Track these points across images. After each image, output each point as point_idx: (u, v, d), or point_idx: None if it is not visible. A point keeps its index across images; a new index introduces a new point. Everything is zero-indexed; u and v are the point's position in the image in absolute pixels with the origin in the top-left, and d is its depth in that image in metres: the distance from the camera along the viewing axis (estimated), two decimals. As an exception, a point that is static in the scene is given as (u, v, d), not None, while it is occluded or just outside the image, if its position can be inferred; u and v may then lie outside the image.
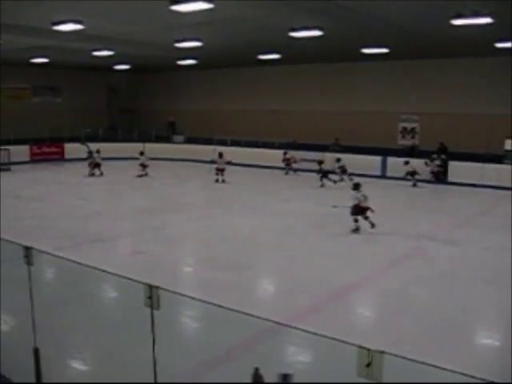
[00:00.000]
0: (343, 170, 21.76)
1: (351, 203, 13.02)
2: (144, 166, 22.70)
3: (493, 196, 19.03)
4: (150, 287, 3.88)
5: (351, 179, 20.79)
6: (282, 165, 24.01)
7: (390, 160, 22.68)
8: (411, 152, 23.24)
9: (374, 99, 25.21)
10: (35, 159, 27.31)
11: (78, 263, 5.09)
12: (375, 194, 19.47)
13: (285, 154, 24.23)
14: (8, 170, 23.67)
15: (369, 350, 2.83)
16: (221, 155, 21.31)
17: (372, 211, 12.82)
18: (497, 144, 20.69)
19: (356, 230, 13.04)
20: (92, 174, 22.43)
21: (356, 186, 13.40)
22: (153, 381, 4.13)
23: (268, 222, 14.23)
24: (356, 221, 13.04)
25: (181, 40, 18.33)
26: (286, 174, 23.83)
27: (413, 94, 24.01)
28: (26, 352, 5.22)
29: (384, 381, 2.83)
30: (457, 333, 7.25)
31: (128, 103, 34.69)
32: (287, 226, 13.84)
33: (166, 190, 19.78)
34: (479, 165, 20.62)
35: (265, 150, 26.15)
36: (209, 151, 24.19)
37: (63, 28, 15.16)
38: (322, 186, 20.28)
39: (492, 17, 12.82)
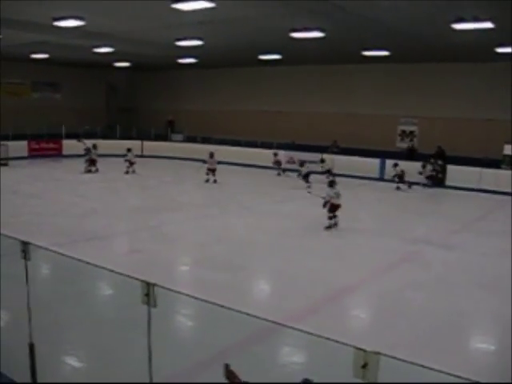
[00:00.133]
0: (328, 171, 21.56)
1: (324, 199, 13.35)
2: (131, 163, 22.72)
3: (490, 201, 19.06)
4: (148, 284, 3.87)
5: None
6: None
7: (389, 163, 22.67)
8: (410, 154, 23.26)
9: (373, 102, 25.24)
10: (33, 155, 27.30)
11: (75, 259, 5.08)
12: (373, 196, 19.66)
13: (275, 155, 24.14)
14: (6, 165, 23.64)
15: (365, 351, 2.83)
16: (212, 155, 20.98)
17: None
18: (495, 149, 20.73)
19: (329, 227, 13.35)
20: (89, 171, 22.44)
21: (331, 184, 13.78)
22: (148, 379, 4.12)
23: (264, 223, 14.24)
24: (330, 218, 13.35)
25: (182, 38, 18.34)
26: (278, 175, 23.69)
27: (412, 98, 24.04)
28: (21, 347, 5.22)
29: (379, 382, 2.83)
30: (452, 337, 7.26)
31: (127, 102, 34.65)
32: (283, 226, 13.84)
33: (164, 189, 19.75)
34: (477, 169, 20.66)
35: (262, 150, 26.08)
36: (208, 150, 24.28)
37: (64, 24, 15.16)
38: (309, 187, 19.96)
39: (492, 22, 12.86)
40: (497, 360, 6.67)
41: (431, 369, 2.96)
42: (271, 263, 10.70)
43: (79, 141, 23.62)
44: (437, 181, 21.38)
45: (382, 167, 22.96)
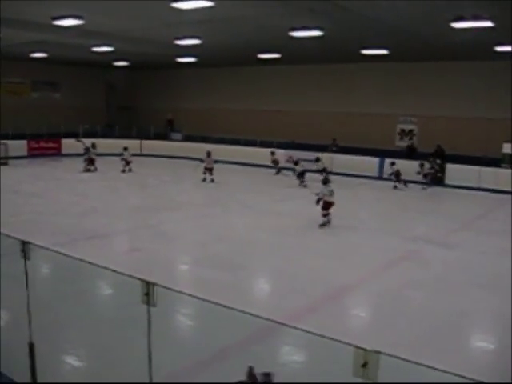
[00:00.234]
0: (323, 170, 21.38)
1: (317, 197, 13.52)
2: (127, 162, 22.81)
3: (490, 199, 19.07)
4: (148, 284, 3.87)
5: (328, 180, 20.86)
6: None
7: (388, 162, 22.67)
8: (410, 153, 23.25)
9: (372, 101, 25.22)
10: (33, 154, 27.31)
11: (75, 258, 5.08)
12: (372, 195, 19.67)
13: (272, 154, 24.11)
14: (6, 164, 23.64)
15: (365, 349, 2.83)
16: (209, 154, 20.86)
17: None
18: (495, 147, 20.72)
19: (323, 225, 13.47)
20: (87, 170, 22.47)
21: (325, 181, 14.06)
22: (148, 378, 4.12)
23: (264, 222, 14.25)
24: (324, 215, 13.48)
25: (181, 37, 18.33)
26: (276, 174, 23.61)
27: (411, 96, 24.03)
28: (21, 347, 5.21)
29: (380, 381, 2.83)
30: (452, 336, 7.26)
31: (126, 101, 34.64)
32: (282, 225, 13.85)
33: (163, 188, 19.75)
34: (477, 168, 20.65)
35: (261, 149, 26.02)
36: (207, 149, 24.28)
37: (63, 23, 15.15)
38: (305, 186, 19.98)
39: (492, 21, 12.86)
40: (497, 359, 6.68)
41: (431, 368, 2.96)
42: (271, 262, 10.70)
43: (78, 141, 23.64)
44: (436, 180, 21.35)
45: (381, 166, 22.95)
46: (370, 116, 25.30)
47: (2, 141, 24.21)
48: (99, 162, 22.79)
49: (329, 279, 9.49)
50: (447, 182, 21.52)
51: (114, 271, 4.69)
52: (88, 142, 23.14)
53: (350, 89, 25.78)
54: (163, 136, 30.86)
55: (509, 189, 19.34)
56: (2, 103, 27.41)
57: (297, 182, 20.37)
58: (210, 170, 20.62)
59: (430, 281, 9.65)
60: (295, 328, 3.87)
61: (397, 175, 20.67)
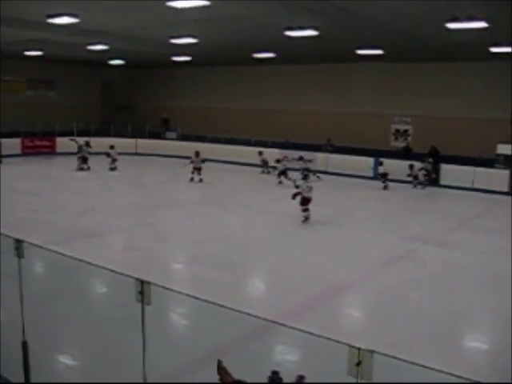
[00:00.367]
0: (306, 169, 21.47)
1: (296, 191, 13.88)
2: (113, 160, 22.87)
3: (484, 200, 19.13)
4: (142, 282, 3.87)
5: (318, 176, 20.98)
6: (274, 164, 23.61)
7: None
8: (406, 153, 23.28)
9: (367, 101, 25.25)
10: (27, 152, 27.21)
11: (69, 257, 5.08)
12: (368, 195, 19.69)
13: (260, 154, 23.95)
14: (0, 162, 23.55)
15: (359, 349, 2.83)
16: (197, 154, 20.64)
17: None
18: (489, 148, 20.78)
19: (306, 219, 13.76)
20: (81, 169, 22.42)
21: (304, 177, 14.53)
22: (142, 377, 4.12)
23: (260, 220, 14.30)
24: (304, 210, 13.76)
25: (176, 36, 18.29)
26: (268, 173, 23.41)
27: (406, 97, 24.08)
28: (15, 346, 5.20)
29: (374, 380, 2.84)
30: (449, 335, 7.27)
31: (122, 99, 34.55)
32: (279, 224, 13.91)
33: (159, 187, 19.74)
34: (471, 168, 20.70)
35: (255, 149, 25.79)
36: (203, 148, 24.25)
37: (58, 21, 15.09)
38: (280, 182, 20.11)
39: (487, 21, 12.88)
40: (496, 359, 6.69)
41: (427, 367, 2.96)
42: (268, 261, 10.72)
43: (71, 139, 23.64)
44: (429, 180, 21.38)
45: (377, 166, 22.96)
46: (365, 116, 25.33)
47: (-3, 139, 24.14)
48: (93, 161, 22.70)
49: (326, 278, 9.51)
50: (442, 182, 21.57)
51: (109, 270, 4.68)
52: (82, 140, 23.12)
53: (346, 89, 25.81)
54: (159, 135, 30.81)
55: (503, 189, 19.41)
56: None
57: (280, 178, 20.43)
58: (198, 169, 20.40)
59: (427, 280, 9.69)
60: (292, 328, 3.87)
61: (383, 175, 20.77)
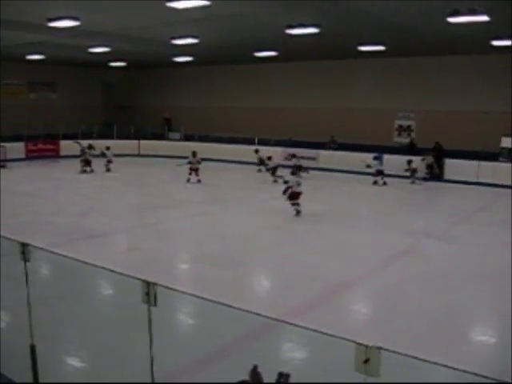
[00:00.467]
0: (298, 167, 21.52)
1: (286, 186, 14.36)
2: (108, 161, 22.97)
3: (488, 193, 19.07)
4: (148, 283, 3.87)
5: (308, 172, 20.99)
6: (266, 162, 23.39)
7: (386, 157, 22.68)
8: (411, 149, 23.23)
9: (370, 97, 25.20)
10: (31, 156, 27.26)
11: (75, 259, 5.08)
12: (371, 191, 19.68)
13: (256, 152, 23.73)
14: (4, 166, 23.60)
15: (366, 346, 2.83)
16: (194, 154, 20.43)
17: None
18: (493, 141, 20.73)
19: (299, 213, 14.14)
20: (84, 171, 22.46)
21: (293, 172, 14.90)
22: (149, 377, 4.12)
23: (262, 219, 14.29)
24: (293, 204, 14.20)
25: (177, 37, 18.30)
26: (266, 170, 23.26)
27: (409, 92, 24.02)
28: (22, 348, 5.21)
29: (382, 377, 2.83)
30: (454, 331, 7.25)
31: (124, 100, 34.57)
32: (280, 222, 13.92)
33: (162, 187, 19.74)
34: (475, 162, 20.66)
35: (258, 147, 25.84)
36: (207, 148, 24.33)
37: (59, 24, 15.12)
38: (275, 181, 20.00)
39: (488, 14, 12.84)
40: (499, 354, 6.67)
41: (432, 362, 2.96)
42: (270, 259, 10.73)
43: (76, 142, 23.72)
44: (432, 175, 21.36)
45: (380, 162, 22.93)
46: (367, 112, 25.28)
47: (0, 143, 24.15)
48: (96, 163, 22.78)
49: (328, 275, 9.50)
50: (446, 176, 21.55)
51: (115, 272, 4.69)
52: (85, 143, 23.21)
53: (348, 85, 25.74)
54: (161, 136, 30.81)
55: (507, 183, 19.34)
56: (1, 105, 27.37)
57: (274, 177, 20.44)
58: (195, 170, 20.20)
59: (430, 275, 9.65)
60: (296, 326, 3.87)
61: (378, 171, 20.84)
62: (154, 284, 3.88)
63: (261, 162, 23.34)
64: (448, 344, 6.67)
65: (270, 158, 21.43)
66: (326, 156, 24.69)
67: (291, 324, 4.12)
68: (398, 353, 2.89)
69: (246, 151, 25.87)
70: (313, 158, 24.96)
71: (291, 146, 25.75)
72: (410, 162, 21.10)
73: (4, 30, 16.80)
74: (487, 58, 21.11)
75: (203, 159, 20.91)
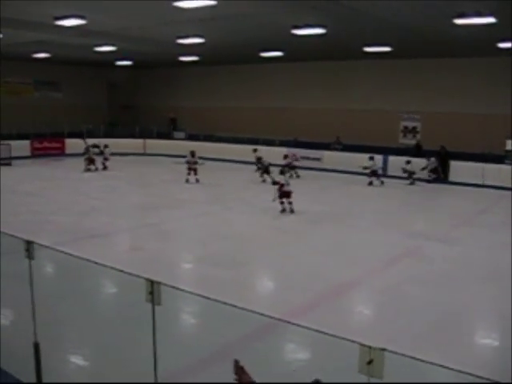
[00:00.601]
0: (291, 167, 21.62)
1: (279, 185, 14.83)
2: (105, 159, 23.13)
3: (493, 196, 19.00)
4: (152, 282, 3.88)
5: (297, 176, 21.03)
6: (282, 162, 23.43)
7: (391, 159, 22.66)
8: (417, 150, 23.18)
9: (375, 98, 25.18)
10: (36, 154, 27.35)
11: (80, 258, 5.09)
12: (375, 192, 19.65)
13: (254, 151, 23.44)
14: (9, 164, 23.67)
15: (370, 347, 2.83)
16: (193, 154, 20.36)
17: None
18: (498, 144, 20.67)
19: (283, 211, 14.75)
20: (88, 170, 22.53)
21: (282, 172, 15.74)
22: (153, 376, 4.13)
23: (264, 219, 14.34)
24: (282, 203, 14.77)
25: (183, 36, 18.31)
26: (258, 170, 22.72)
27: (414, 93, 23.97)
28: (25, 346, 5.22)
29: (385, 378, 2.83)
30: (455, 332, 7.24)
31: (129, 99, 34.62)
32: (283, 222, 13.97)
33: (165, 187, 19.73)
34: (480, 165, 20.61)
35: (262, 148, 25.68)
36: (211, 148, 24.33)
37: (66, 23, 15.14)
38: (264, 181, 19.96)
39: (494, 16, 12.81)
40: (500, 355, 6.65)
41: (435, 364, 2.96)
42: (272, 259, 10.75)
43: (83, 140, 23.86)
44: (435, 178, 21.37)
45: (385, 163, 22.94)
46: (373, 113, 25.25)
47: (5, 141, 24.22)
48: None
49: (330, 276, 9.51)
50: (451, 178, 21.52)
51: (119, 270, 4.70)
52: (91, 141, 23.33)
53: (353, 86, 25.71)
54: (166, 135, 30.84)
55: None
56: (5, 103, 27.45)
57: (263, 177, 20.41)
58: (194, 170, 20.11)
59: (431, 276, 9.65)
60: (301, 326, 3.87)
61: (372, 172, 20.84)
62: (158, 283, 3.88)
63: (259, 162, 23.26)
64: (449, 345, 6.67)
65: (260, 159, 21.46)
66: (330, 157, 24.67)
67: (295, 324, 4.11)
68: (401, 354, 2.88)
69: (249, 151, 25.82)
70: (317, 159, 24.96)
71: (296, 147, 25.74)
72: (408, 162, 21.17)
73: (10, 29, 16.83)
74: (493, 60, 21.04)
75: (207, 159, 20.90)
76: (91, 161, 22.66)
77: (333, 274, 9.65)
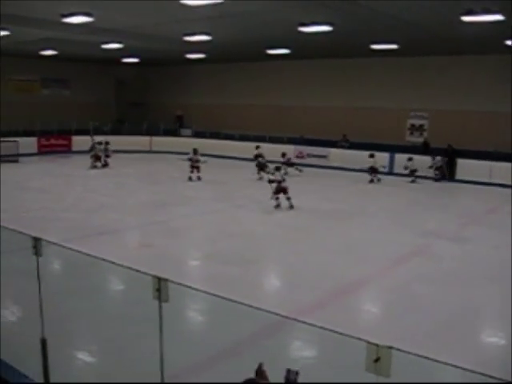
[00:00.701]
0: (290, 163, 21.74)
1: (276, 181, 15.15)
2: (107, 156, 23.25)
3: (501, 194, 18.91)
4: (159, 279, 3.88)
5: (300, 170, 21.03)
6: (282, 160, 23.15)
7: (398, 157, 22.60)
8: (425, 148, 23.11)
9: (382, 95, 25.10)
10: (43, 151, 27.44)
11: (87, 254, 5.10)
12: (383, 190, 19.61)
13: (257, 148, 23.24)
14: (16, 161, 23.77)
15: (377, 345, 2.82)
16: (195, 151, 20.33)
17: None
18: (506, 142, 20.56)
19: (277, 207, 15.01)
20: (94, 167, 22.62)
21: (277, 168, 15.65)
22: (159, 374, 4.14)
23: (272, 216, 14.34)
24: (277, 198, 15.06)
25: (190, 34, 18.31)
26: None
27: (422, 91, 23.87)
28: (33, 342, 5.24)
29: (393, 376, 2.83)
30: (463, 330, 7.23)
31: (136, 96, 34.65)
32: (291, 220, 13.97)
33: (172, 184, 19.76)
34: (488, 163, 20.53)
35: (269, 145, 25.66)
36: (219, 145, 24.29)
37: (73, 20, 15.18)
38: (261, 178, 20.01)
39: (502, 14, 12.75)
40: (509, 354, 6.62)
41: (443, 363, 2.95)
42: (281, 257, 10.76)
43: (91, 136, 23.98)
44: (442, 176, 21.32)
45: (392, 161, 22.89)
46: (380, 111, 25.17)
47: (13, 138, 24.31)
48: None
49: (339, 274, 9.49)
50: (458, 177, 21.45)
51: (127, 267, 4.71)
52: (99, 139, 23.47)
53: (360, 84, 25.62)
54: (173, 132, 30.88)
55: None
56: (13, 100, 27.55)
57: (260, 174, 20.52)
58: (197, 168, 20.09)
59: (440, 275, 9.63)
60: (311, 324, 3.86)
61: (373, 169, 20.87)
62: (166, 280, 3.88)
63: (256, 159, 23.12)
64: (457, 344, 6.64)
65: (257, 157, 21.55)
66: (336, 154, 24.63)
67: (304, 323, 4.11)
68: (408, 353, 2.88)
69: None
70: (324, 156, 24.94)
71: (303, 144, 25.72)
72: (409, 159, 21.19)
73: (18, 26, 16.89)
74: (501, 57, 20.90)
75: (214, 156, 20.90)
76: (97, 158, 22.75)
77: (341, 272, 9.64)
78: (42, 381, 5.07)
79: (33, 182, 18.89)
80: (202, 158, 20.46)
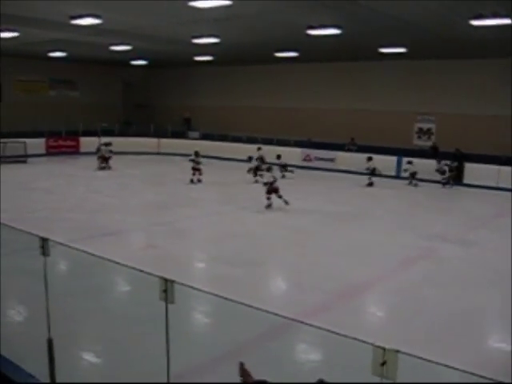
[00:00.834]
0: (283, 166, 21.79)
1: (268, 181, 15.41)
2: (109, 157, 23.15)
3: (509, 199, 18.77)
4: (166, 281, 3.88)
5: (292, 171, 21.15)
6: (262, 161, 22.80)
7: (406, 160, 22.52)
8: (434, 152, 23.03)
9: (390, 99, 25.06)
10: (51, 152, 27.55)
11: (94, 255, 5.11)
12: (389, 193, 19.57)
13: (258, 149, 23.05)
14: (24, 162, 23.87)
15: (384, 348, 2.81)
16: (197, 154, 20.33)
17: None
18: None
19: (269, 206, 15.23)
20: (101, 168, 22.72)
21: (268, 169, 16.08)
22: (165, 375, 4.14)
23: (277, 218, 14.34)
24: (269, 198, 15.28)
25: (198, 36, 18.35)
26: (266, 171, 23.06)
27: (429, 95, 23.80)
28: (39, 342, 5.25)
29: (398, 380, 2.82)
30: (469, 334, 7.20)
31: (144, 98, 34.73)
32: (297, 222, 13.94)
33: (177, 186, 19.76)
34: (496, 167, 20.44)
35: (276, 148, 25.59)
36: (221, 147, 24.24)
37: (81, 22, 15.24)
38: (256, 181, 20.01)
39: (511, 18, 12.70)
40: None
41: (449, 367, 2.94)
42: (286, 259, 10.73)
43: (98, 138, 24.04)
44: (450, 179, 21.25)
45: (399, 165, 22.83)
46: (387, 114, 25.12)
47: (21, 139, 24.41)
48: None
49: (344, 277, 9.47)
50: (466, 181, 21.36)
51: (133, 268, 4.71)
52: (105, 140, 23.50)
53: (368, 87, 25.58)
54: (181, 134, 30.91)
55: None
56: (21, 101, 27.68)
57: (256, 177, 20.58)
58: (198, 170, 20.08)
59: (447, 278, 9.59)
60: (313, 326, 3.86)
61: (372, 171, 20.85)
62: (172, 281, 3.89)
63: (261, 161, 23.08)
64: (463, 347, 6.62)
65: (250, 159, 21.57)
66: (343, 158, 24.59)
67: (310, 325, 4.11)
68: (415, 356, 2.86)
69: (265, 151, 25.81)
70: (331, 160, 24.91)
71: (310, 147, 25.70)
72: (409, 162, 21.20)
73: (27, 28, 16.97)
74: (509, 61, 20.83)
75: (221, 159, 20.91)
76: (104, 159, 22.81)
77: (346, 274, 9.63)
78: (48, 381, 5.08)
79: (39, 183, 18.96)
80: (202, 160, 20.46)
